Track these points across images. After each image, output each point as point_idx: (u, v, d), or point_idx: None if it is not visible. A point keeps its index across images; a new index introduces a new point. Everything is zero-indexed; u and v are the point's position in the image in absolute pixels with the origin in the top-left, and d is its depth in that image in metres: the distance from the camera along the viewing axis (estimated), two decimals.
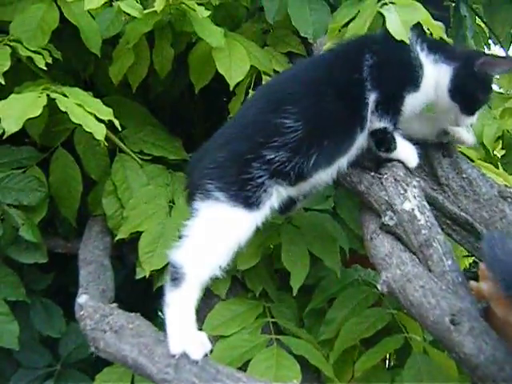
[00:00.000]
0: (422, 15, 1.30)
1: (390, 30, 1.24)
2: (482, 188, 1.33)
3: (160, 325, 1.85)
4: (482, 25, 2.21)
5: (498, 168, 1.90)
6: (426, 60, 1.30)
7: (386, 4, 1.33)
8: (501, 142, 1.87)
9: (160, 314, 2.10)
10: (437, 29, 1.32)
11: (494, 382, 0.95)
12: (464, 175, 1.36)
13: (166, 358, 1.08)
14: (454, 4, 2.04)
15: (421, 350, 1.45)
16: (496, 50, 2.27)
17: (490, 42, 2.29)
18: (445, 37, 1.34)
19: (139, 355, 1.11)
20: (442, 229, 1.35)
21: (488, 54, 1.41)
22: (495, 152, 1.90)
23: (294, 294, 1.48)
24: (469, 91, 1.31)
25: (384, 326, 1.47)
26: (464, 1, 1.97)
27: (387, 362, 1.78)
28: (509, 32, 2.16)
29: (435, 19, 1.62)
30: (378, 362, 1.43)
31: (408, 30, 1.25)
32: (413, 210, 1.21)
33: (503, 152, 1.92)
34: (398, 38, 1.24)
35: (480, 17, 2.07)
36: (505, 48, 2.25)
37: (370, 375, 1.44)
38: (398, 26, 1.25)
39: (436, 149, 1.41)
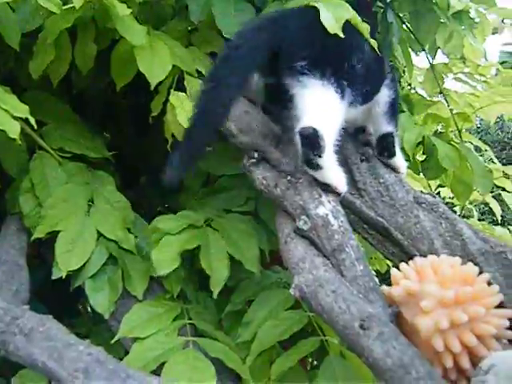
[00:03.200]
0: (350, 14, 1.30)
1: (325, 25, 1.24)
2: (399, 193, 1.37)
3: (80, 323, 1.86)
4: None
5: (418, 173, 1.95)
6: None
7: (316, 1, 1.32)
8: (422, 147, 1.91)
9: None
10: (364, 29, 1.34)
11: None
12: (381, 180, 1.40)
13: (76, 362, 1.07)
14: (382, 10, 2.07)
15: (337, 352, 1.47)
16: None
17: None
18: (369, 37, 1.35)
19: (49, 359, 1.10)
20: (359, 233, 1.38)
21: None
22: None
23: (215, 297, 1.48)
24: None
25: (301, 328, 1.47)
26: (391, 8, 2.00)
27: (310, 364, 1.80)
28: (433, 40, 2.22)
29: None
30: (296, 364, 1.44)
31: (341, 25, 1.25)
32: (327, 215, 1.22)
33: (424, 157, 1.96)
34: (332, 31, 1.24)
35: (406, 25, 2.10)
36: (431, 55, 2.31)
37: (287, 376, 1.45)
38: (332, 20, 1.25)
39: (354, 154, 1.44)
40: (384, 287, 1.16)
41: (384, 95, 1.49)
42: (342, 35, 1.23)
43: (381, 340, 1.01)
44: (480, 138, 8.65)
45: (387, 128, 1.49)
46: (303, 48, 1.27)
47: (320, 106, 1.30)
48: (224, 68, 1.30)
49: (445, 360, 1.04)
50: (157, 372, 1.28)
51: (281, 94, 1.33)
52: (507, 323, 1.06)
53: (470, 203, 2.92)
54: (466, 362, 1.04)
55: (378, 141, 1.49)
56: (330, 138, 1.28)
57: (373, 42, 1.35)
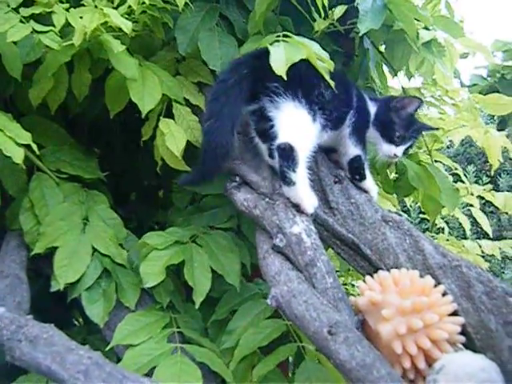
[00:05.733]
0: (308, 53, 1.43)
1: (272, 66, 1.38)
2: (368, 213, 1.49)
3: (75, 333, 1.94)
4: None
5: (392, 191, 2.08)
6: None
7: (277, 41, 1.46)
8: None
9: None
10: (322, 68, 1.47)
11: None
12: (352, 200, 1.52)
13: (77, 364, 1.18)
14: (359, 36, 2.18)
15: (313, 357, 1.59)
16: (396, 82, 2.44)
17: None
18: (327, 76, 1.48)
19: (52, 362, 1.21)
20: (332, 248, 1.50)
21: (407, 97, 1.73)
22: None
23: (197, 307, 1.58)
24: (384, 122, 1.65)
25: (280, 335, 1.58)
26: (367, 36, 2.12)
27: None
28: (406, 66, 2.34)
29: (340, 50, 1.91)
30: (275, 368, 1.55)
31: (287, 66, 1.38)
32: (300, 233, 1.36)
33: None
34: (277, 73, 1.37)
35: (381, 52, 2.21)
36: (408, 79, 2.43)
37: (267, 380, 1.56)
38: (280, 62, 1.39)
39: (328, 176, 1.56)
40: (351, 297, 1.30)
41: (351, 121, 1.64)
42: (285, 78, 1.37)
43: (346, 344, 1.14)
44: (465, 150, 8.77)
45: (354, 151, 1.63)
46: (276, 74, 1.40)
47: (294, 124, 1.48)
48: (217, 102, 1.49)
49: (403, 361, 1.17)
50: (148, 375, 1.39)
51: (262, 117, 1.50)
52: (459, 329, 1.19)
53: (443, 218, 3.03)
54: (422, 363, 1.17)
55: (349, 164, 1.63)
56: (303, 153, 1.45)
57: (332, 82, 1.49)
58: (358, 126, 1.65)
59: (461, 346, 1.22)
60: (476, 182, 8.03)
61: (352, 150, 1.63)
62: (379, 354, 1.14)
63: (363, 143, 1.66)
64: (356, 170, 1.61)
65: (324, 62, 1.48)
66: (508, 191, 8.34)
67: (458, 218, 2.72)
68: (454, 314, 1.22)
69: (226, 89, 1.48)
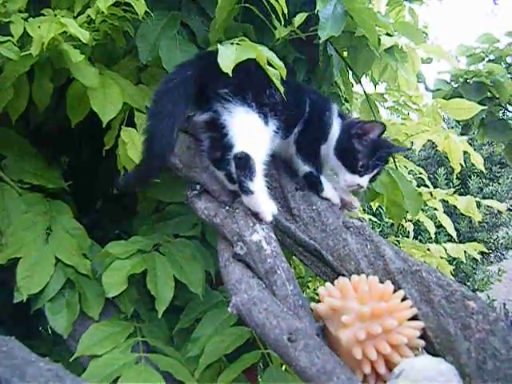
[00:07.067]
0: (256, 54, 1.44)
1: (220, 64, 1.37)
2: (329, 219, 1.50)
3: (41, 344, 1.92)
4: None
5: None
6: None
7: (232, 44, 1.46)
8: None
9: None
10: (278, 68, 1.47)
11: None
12: (314, 207, 1.53)
13: (37, 377, 1.17)
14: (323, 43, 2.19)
15: (278, 364, 1.60)
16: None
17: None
18: (276, 81, 1.48)
19: (12, 376, 1.19)
20: (295, 255, 1.51)
21: (369, 122, 1.63)
22: None
23: (160, 316, 1.58)
24: (346, 150, 1.58)
25: (245, 342, 1.59)
26: (330, 42, 2.13)
27: None
28: (370, 73, 2.37)
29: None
30: (241, 375, 1.56)
31: (234, 64, 1.38)
32: (260, 241, 1.37)
33: None
34: (224, 70, 1.36)
35: (344, 58, 2.23)
36: (374, 85, 2.46)
37: None
38: (227, 60, 1.38)
39: (290, 184, 1.57)
40: (312, 304, 1.30)
41: (298, 133, 1.62)
42: (230, 74, 1.36)
43: (306, 351, 1.14)
44: (435, 154, 8.85)
45: (305, 168, 1.60)
46: (224, 77, 1.38)
47: (247, 131, 1.47)
48: (159, 102, 1.47)
49: (364, 367, 1.18)
50: None
51: (215, 125, 1.49)
52: (419, 333, 1.21)
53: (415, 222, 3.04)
54: (382, 368, 1.18)
55: (304, 179, 1.61)
56: (259, 161, 1.44)
57: (281, 88, 1.49)
58: (308, 140, 1.62)
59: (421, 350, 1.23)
60: (446, 185, 8.13)
61: (302, 167, 1.61)
62: (339, 360, 1.15)
63: (314, 158, 1.62)
64: (311, 185, 1.59)
65: (275, 67, 1.48)
66: (478, 193, 8.45)
67: (431, 219, 2.74)
68: (414, 318, 1.23)
69: (169, 89, 1.48)
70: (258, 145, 1.46)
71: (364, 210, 2.45)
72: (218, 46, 1.43)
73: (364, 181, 1.59)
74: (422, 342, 1.22)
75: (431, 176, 8.51)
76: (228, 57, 1.39)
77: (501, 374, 1.08)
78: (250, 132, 1.47)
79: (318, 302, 1.31)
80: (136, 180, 1.57)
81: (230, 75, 1.35)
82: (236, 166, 1.42)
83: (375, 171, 1.62)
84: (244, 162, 1.41)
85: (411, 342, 1.20)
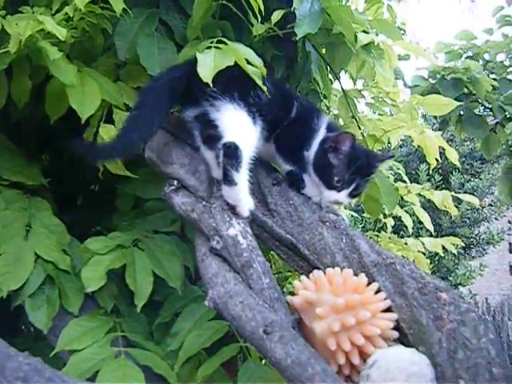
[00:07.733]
0: (237, 58, 1.45)
1: (199, 73, 1.39)
2: (306, 213, 1.51)
3: (22, 340, 1.93)
4: None
5: None
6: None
7: (210, 48, 1.48)
8: None
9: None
10: (254, 73, 1.49)
11: (300, 381, 1.13)
12: (291, 202, 1.54)
13: (16, 371, 1.18)
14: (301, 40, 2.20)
15: (257, 357, 1.62)
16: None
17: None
18: (259, 82, 1.50)
19: None
20: (272, 249, 1.53)
21: (339, 134, 1.56)
22: None
23: (139, 311, 1.61)
24: (322, 165, 1.56)
25: (224, 336, 1.61)
26: (308, 39, 2.15)
27: None
28: (348, 70, 2.39)
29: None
30: (220, 368, 1.58)
31: (213, 73, 1.40)
32: (236, 235, 1.39)
33: None
34: (204, 80, 1.39)
35: (322, 55, 2.25)
36: (353, 81, 2.48)
37: (212, 380, 1.58)
38: (207, 69, 1.40)
39: (267, 178, 1.59)
40: (288, 297, 1.33)
41: (281, 135, 1.62)
42: (211, 84, 1.39)
43: (281, 343, 1.17)
44: (417, 149, 8.89)
45: (286, 167, 1.61)
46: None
47: (236, 125, 1.49)
48: (146, 95, 1.53)
49: (338, 358, 1.21)
50: (92, 380, 1.42)
51: (205, 122, 1.51)
52: (392, 325, 1.23)
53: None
54: (356, 359, 1.21)
55: (285, 176, 1.61)
56: (246, 154, 1.46)
57: (263, 86, 1.50)
58: (290, 141, 1.62)
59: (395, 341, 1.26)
60: (428, 181, 8.19)
61: (284, 166, 1.62)
62: (314, 352, 1.18)
63: (296, 158, 1.60)
64: (292, 183, 1.59)
65: (256, 67, 1.50)
66: (459, 189, 8.52)
67: (412, 215, 2.77)
68: (388, 310, 1.26)
69: (155, 86, 1.52)
70: (246, 138, 1.49)
71: (345, 206, 2.46)
72: (197, 54, 1.45)
73: (341, 196, 1.55)
74: (395, 333, 1.24)
75: (413, 172, 8.59)
76: (207, 66, 1.41)
77: (471, 363, 1.10)
78: (240, 126, 1.49)
79: (295, 295, 1.33)
80: (102, 153, 1.59)
81: (211, 85, 1.39)
82: (224, 154, 1.43)
83: (355, 183, 1.55)
84: (232, 151, 1.43)
85: (385, 333, 1.23)
